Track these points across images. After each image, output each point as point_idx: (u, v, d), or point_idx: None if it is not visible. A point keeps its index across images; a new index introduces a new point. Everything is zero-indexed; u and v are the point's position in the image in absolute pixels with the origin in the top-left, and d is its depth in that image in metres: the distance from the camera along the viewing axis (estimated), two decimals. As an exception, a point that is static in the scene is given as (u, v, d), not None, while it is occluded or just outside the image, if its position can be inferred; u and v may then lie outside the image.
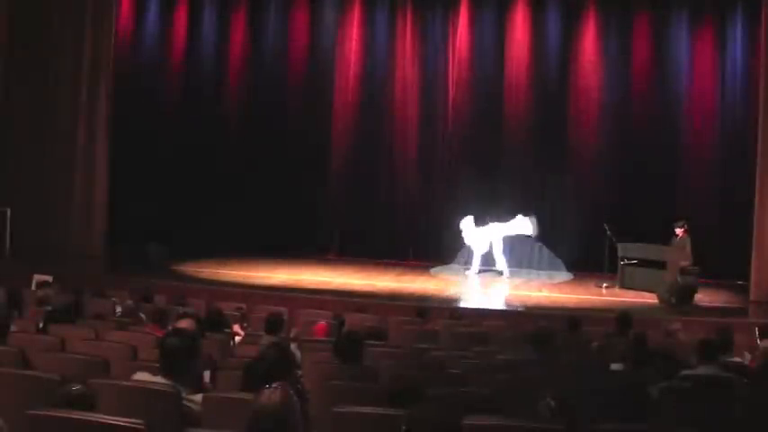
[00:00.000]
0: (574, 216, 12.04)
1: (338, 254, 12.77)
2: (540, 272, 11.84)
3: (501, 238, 11.34)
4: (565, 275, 11.61)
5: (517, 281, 11.24)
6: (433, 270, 11.80)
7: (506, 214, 11.36)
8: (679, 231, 10.06)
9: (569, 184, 12.12)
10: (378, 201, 12.92)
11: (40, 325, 5.57)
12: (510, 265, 11.56)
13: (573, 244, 11.80)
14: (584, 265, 11.48)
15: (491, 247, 11.38)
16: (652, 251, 10.14)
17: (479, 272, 11.52)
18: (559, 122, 12.25)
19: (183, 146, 12.79)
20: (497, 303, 10.08)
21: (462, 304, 9.55)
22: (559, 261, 11.87)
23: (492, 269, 11.54)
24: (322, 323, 6.61)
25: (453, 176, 12.49)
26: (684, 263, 9.78)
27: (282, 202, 12.77)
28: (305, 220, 12.81)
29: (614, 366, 4.90)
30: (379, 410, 3.29)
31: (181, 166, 12.77)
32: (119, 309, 7.04)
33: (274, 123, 13.09)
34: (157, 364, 3.52)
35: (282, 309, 7.12)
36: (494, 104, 12.48)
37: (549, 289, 10.67)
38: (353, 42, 12.77)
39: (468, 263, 11.66)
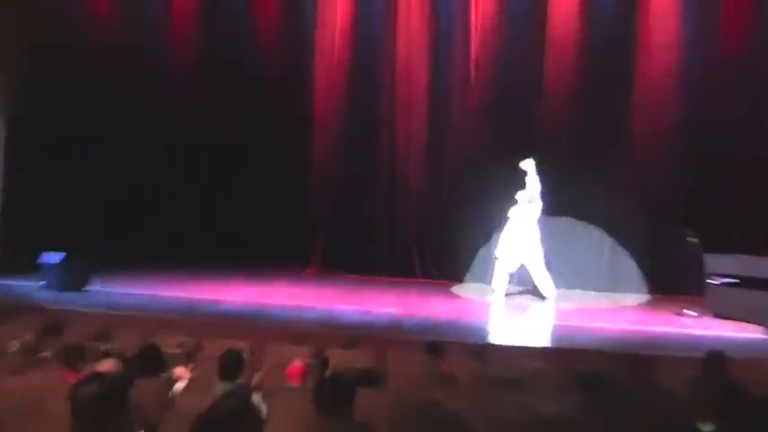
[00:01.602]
0: (641, 218, 12.13)
1: (320, 268, 13.13)
2: (599, 293, 12.01)
3: (538, 240, 11.29)
4: (633, 298, 11.78)
5: (566, 305, 11.38)
6: (454, 289, 12.07)
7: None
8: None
9: (634, 176, 12.21)
10: (374, 197, 13.21)
11: None
12: (557, 285, 11.67)
13: (642, 255, 11.96)
14: (658, 283, 11.72)
15: (528, 256, 11.36)
16: (755, 266, 9.84)
17: (518, 293, 11.71)
18: (618, 93, 12.28)
19: (115, 131, 12.97)
20: (538, 336, 10.12)
21: (490, 338, 9.66)
22: (626, 277, 12.05)
23: (529, 290, 11.66)
24: (297, 363, 6.53)
25: (475, 166, 12.70)
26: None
27: (246, 199, 13.27)
28: (276, 222, 13.17)
29: (703, 428, 4.80)
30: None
31: (112, 156, 12.86)
32: (14, 345, 6.92)
33: (234, 94, 13.30)
34: (67, 423, 3.49)
35: (243, 344, 7.23)
36: (530, 70, 12.56)
37: (611, 316, 10.78)
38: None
39: (497, 281, 11.63)
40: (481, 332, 9.89)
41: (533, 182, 11.12)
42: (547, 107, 12.45)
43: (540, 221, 11.41)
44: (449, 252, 12.76)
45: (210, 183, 13.21)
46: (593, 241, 11.99)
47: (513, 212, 11.31)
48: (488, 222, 12.11)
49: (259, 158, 13.28)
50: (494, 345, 9.18)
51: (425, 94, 13.02)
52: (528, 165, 11.15)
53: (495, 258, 11.50)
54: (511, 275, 11.52)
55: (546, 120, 12.46)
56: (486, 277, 12.11)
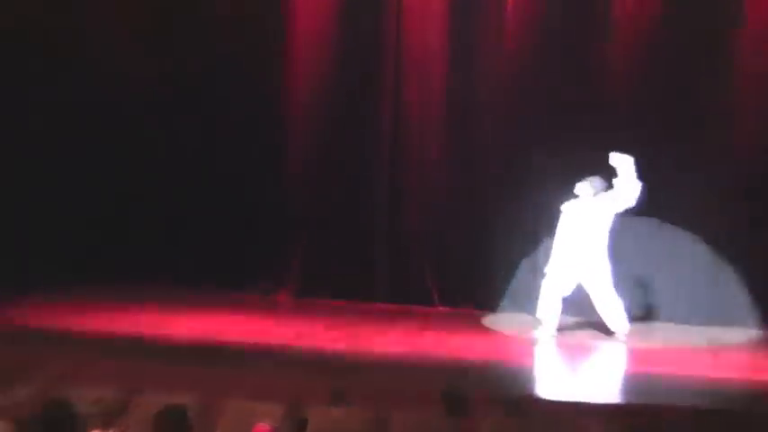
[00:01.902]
0: (756, 227, 12.12)
1: (298, 294, 13.23)
2: (691, 328, 12.06)
3: (605, 251, 11.22)
4: (739, 334, 11.84)
5: (643, 344, 11.46)
6: (485, 321, 12.24)
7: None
8: None
9: (741, 172, 12.23)
10: (371, 196, 13.28)
11: None
12: (630, 316, 11.61)
13: (754, 276, 12.03)
14: None
15: (591, 275, 11.27)
16: None
17: (575, 326, 11.81)
18: (706, 54, 12.31)
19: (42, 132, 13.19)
20: (602, 389, 10.14)
21: (535, 389, 9.73)
22: (731, 307, 12.14)
23: (591, 322, 11.68)
24: (263, 427, 6.51)
25: (512, 153, 12.82)
26: None
27: (201, 204, 13.37)
28: (238, 233, 13.30)
29: None
30: None
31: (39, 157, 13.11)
32: None
33: (184, 73, 13.37)
34: None
35: (189, 398, 7.25)
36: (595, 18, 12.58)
37: (708, 361, 10.77)
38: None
39: (546, 310, 11.58)
40: (522, 381, 9.90)
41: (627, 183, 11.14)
42: (607, 84, 12.64)
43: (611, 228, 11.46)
44: (476, 271, 12.82)
45: (160, 187, 13.39)
46: (686, 257, 12.18)
47: (570, 209, 11.24)
48: (532, 229, 12.26)
49: (218, 158, 13.35)
50: (540, 399, 9.26)
51: (442, 57, 13.10)
52: (622, 161, 11.11)
53: (544, 277, 11.47)
54: (565, 302, 11.50)
55: (605, 98, 12.58)
56: (529, 305, 12.13)
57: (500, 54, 12.92)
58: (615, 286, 11.37)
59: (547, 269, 11.46)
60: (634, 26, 12.51)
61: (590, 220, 11.20)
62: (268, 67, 13.33)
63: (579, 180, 11.19)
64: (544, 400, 9.21)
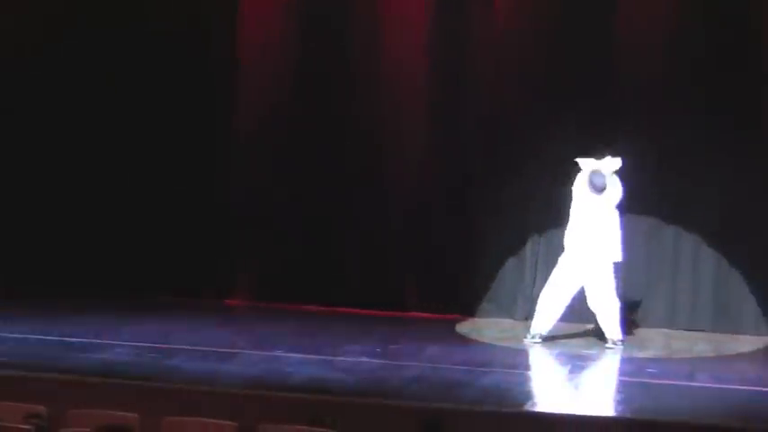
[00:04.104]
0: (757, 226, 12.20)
1: (251, 297, 13.29)
2: (696, 334, 12.15)
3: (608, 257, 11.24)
4: (749, 342, 11.89)
5: (644, 352, 11.42)
6: (460, 327, 12.16)
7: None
8: None
9: (758, 168, 12.27)
10: (338, 187, 13.16)
11: None
12: (631, 319, 11.86)
13: (761, 282, 12.06)
14: None
15: (593, 276, 11.24)
16: None
17: (568, 333, 11.77)
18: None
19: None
20: (599, 402, 10.18)
21: (524, 404, 9.45)
22: (739, 311, 12.15)
23: (588, 329, 11.72)
24: None
25: (490, 158, 12.81)
26: None
27: (138, 195, 13.34)
28: (183, 228, 13.28)
29: None
30: None
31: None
32: None
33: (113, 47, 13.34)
34: None
35: (131, 415, 7.27)
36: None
37: (714, 370, 10.80)
38: None
39: (530, 314, 11.79)
40: (507, 395, 9.71)
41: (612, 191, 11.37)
42: (602, 71, 12.60)
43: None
44: (454, 274, 12.79)
45: (92, 176, 13.34)
46: (689, 257, 12.21)
47: (580, 198, 11.34)
48: (519, 227, 12.32)
49: (155, 142, 13.33)
50: (528, 414, 9.20)
51: (425, 32, 13.04)
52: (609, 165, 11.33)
53: (547, 282, 11.49)
54: (560, 306, 11.51)
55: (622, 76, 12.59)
56: (514, 309, 12.40)
57: (483, 49, 12.93)
58: (617, 290, 11.44)
59: (555, 275, 11.37)
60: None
61: (600, 215, 11.25)
62: (221, 73, 13.45)
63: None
64: (532, 415, 9.18)
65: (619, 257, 11.30)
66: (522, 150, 12.62)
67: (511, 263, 12.48)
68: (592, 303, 11.30)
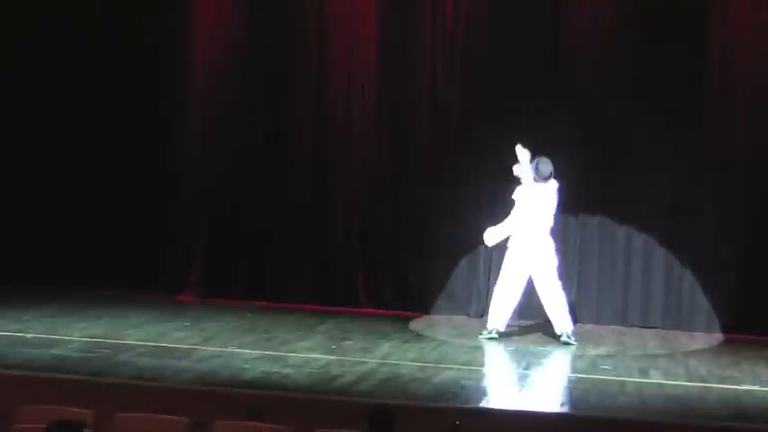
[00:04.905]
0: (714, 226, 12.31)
1: (202, 293, 13.28)
2: (646, 330, 12.27)
3: (549, 252, 11.33)
4: (700, 339, 12.04)
5: (595, 349, 11.49)
6: (414, 324, 12.17)
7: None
8: None
9: (710, 165, 12.40)
10: (289, 180, 13.25)
11: None
12: (580, 317, 11.90)
13: (717, 276, 12.17)
14: (741, 318, 11.98)
15: (540, 271, 11.31)
16: None
17: (518, 329, 11.89)
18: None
19: None
20: (549, 398, 10.13)
21: (473, 401, 9.48)
22: (690, 308, 12.30)
23: (539, 324, 11.83)
24: None
25: (442, 153, 12.96)
26: None
27: (91, 190, 13.39)
28: (133, 224, 13.35)
29: None
30: None
31: None
32: None
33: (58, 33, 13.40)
34: None
35: (84, 411, 7.09)
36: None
37: (665, 366, 10.89)
38: None
39: (484, 311, 11.82)
40: (461, 392, 9.70)
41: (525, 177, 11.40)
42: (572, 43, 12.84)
43: (557, 219, 11.58)
44: (410, 270, 12.88)
45: (40, 167, 13.53)
46: (640, 255, 12.26)
47: (519, 195, 11.41)
48: (474, 219, 12.17)
49: (101, 128, 13.40)
50: (482, 411, 9.19)
51: (372, 44, 13.14)
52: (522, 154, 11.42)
53: (498, 277, 11.52)
54: (512, 300, 11.59)
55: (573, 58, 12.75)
56: (468, 306, 12.47)
57: (434, 40, 13.01)
58: (563, 285, 11.52)
59: (503, 270, 11.44)
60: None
61: (539, 206, 11.33)
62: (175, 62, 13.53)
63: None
64: (488, 410, 9.21)
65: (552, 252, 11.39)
66: (476, 150, 12.69)
67: (465, 261, 12.57)
68: (540, 296, 11.41)
